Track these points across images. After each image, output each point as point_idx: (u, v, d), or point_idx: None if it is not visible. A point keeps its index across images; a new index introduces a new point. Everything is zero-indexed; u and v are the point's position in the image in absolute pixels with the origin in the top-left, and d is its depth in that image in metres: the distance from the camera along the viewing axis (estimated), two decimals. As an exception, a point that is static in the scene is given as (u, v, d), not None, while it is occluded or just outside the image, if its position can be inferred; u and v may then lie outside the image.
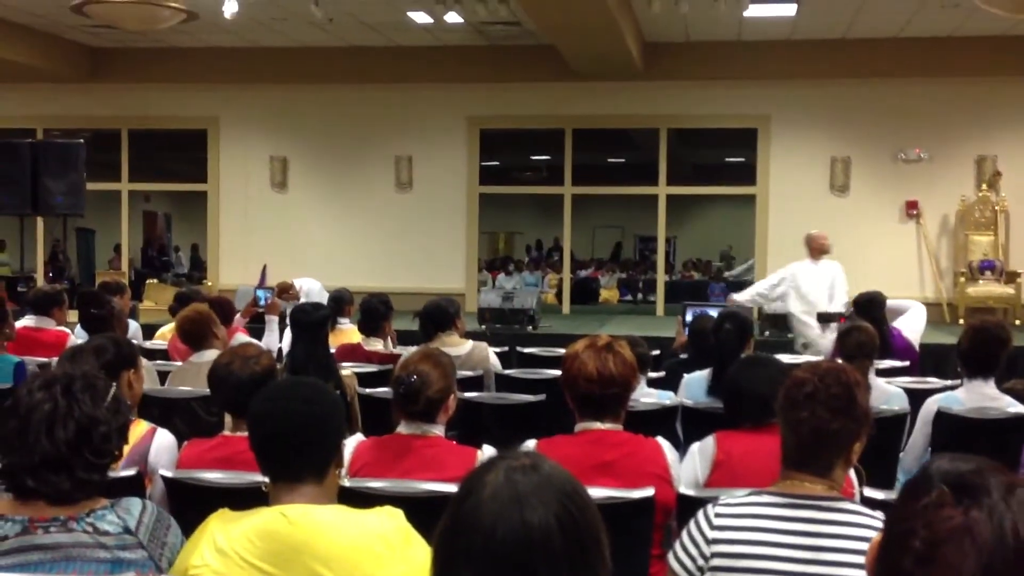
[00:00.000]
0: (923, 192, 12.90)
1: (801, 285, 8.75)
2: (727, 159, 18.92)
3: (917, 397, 4.66)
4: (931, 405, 4.45)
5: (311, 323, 4.83)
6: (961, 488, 1.24)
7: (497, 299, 11.02)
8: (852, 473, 2.91)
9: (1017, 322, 11.92)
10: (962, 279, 12.34)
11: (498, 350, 6.21)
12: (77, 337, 5.63)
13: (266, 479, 2.22)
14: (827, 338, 7.68)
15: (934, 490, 1.25)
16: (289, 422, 2.21)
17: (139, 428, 3.24)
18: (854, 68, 12.76)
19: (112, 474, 2.82)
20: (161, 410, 4.33)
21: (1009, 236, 12.58)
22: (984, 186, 12.64)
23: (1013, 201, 12.54)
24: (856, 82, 12.87)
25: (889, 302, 6.92)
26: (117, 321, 5.37)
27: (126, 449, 2.88)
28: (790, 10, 11.45)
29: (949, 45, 12.51)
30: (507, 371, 5.82)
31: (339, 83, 13.87)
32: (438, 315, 5.74)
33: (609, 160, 20.58)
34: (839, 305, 8.51)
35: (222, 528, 2.08)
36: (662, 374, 5.55)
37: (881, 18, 11.75)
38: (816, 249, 9.01)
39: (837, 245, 12.50)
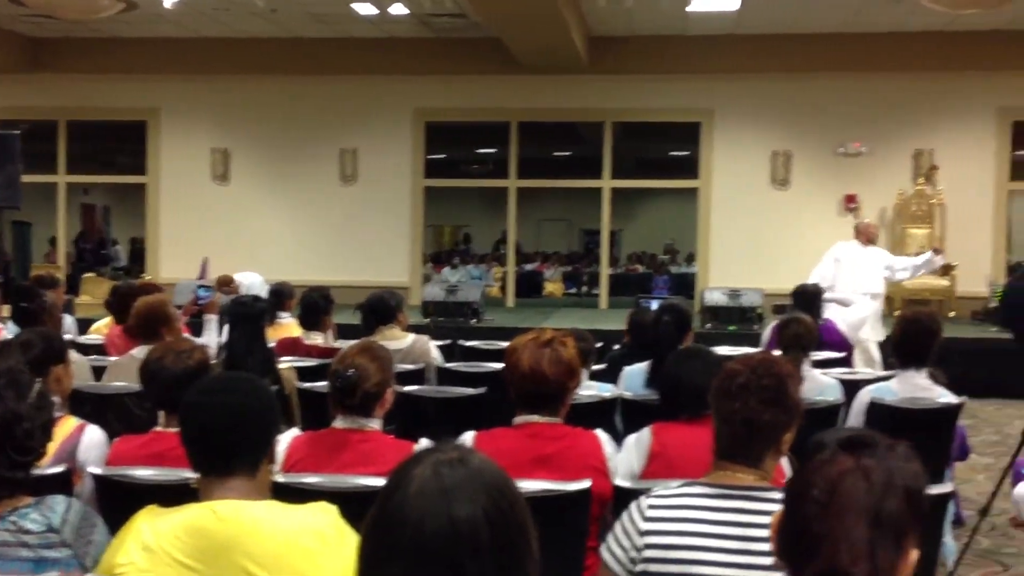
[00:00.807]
0: (862, 186, 13.10)
1: (844, 265, 9.21)
2: (671, 153, 19.03)
3: (851, 388, 4.73)
4: (864, 396, 4.51)
5: (249, 316, 4.78)
6: (851, 444, 1.38)
7: (441, 292, 11.02)
8: (786, 463, 2.94)
9: (952, 314, 12.14)
10: (899, 271, 12.53)
11: (441, 343, 6.20)
12: (8, 332, 5.52)
13: (197, 475, 2.19)
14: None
15: (827, 450, 1.38)
16: (220, 415, 2.17)
17: (68, 424, 3.18)
18: (796, 63, 12.91)
19: (39, 471, 2.76)
20: (93, 406, 4.25)
21: (945, 229, 12.80)
22: (921, 180, 12.86)
23: (949, 195, 12.77)
24: (798, 77, 13.03)
25: (837, 295, 7.02)
26: (49, 315, 5.27)
27: (53, 446, 2.83)
28: (734, 4, 11.54)
29: (889, 41, 12.70)
30: (449, 364, 5.81)
31: (283, 74, 13.75)
32: (380, 308, 5.72)
33: (555, 153, 20.61)
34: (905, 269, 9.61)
35: (150, 524, 2.04)
36: (603, 366, 5.57)
37: (823, 14, 11.90)
38: (865, 236, 9.71)
39: (777, 238, 12.72)
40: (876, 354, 8.43)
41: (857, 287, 8.85)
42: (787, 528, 1.37)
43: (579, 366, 3.22)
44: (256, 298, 5.17)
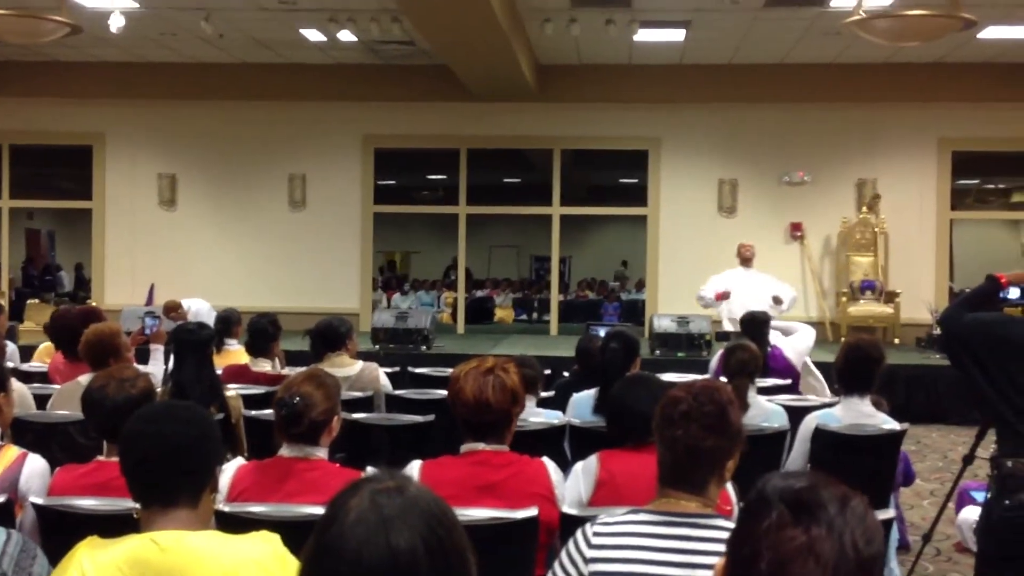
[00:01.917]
0: (807, 214, 13.29)
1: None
2: (620, 180, 19.21)
3: (797, 414, 4.78)
4: (810, 422, 4.57)
5: (195, 343, 4.73)
6: (799, 506, 1.28)
7: (391, 319, 10.98)
8: (731, 489, 2.96)
9: (896, 340, 12.33)
10: (844, 299, 12.73)
11: (390, 370, 6.18)
12: (-52, 360, 5.41)
13: (138, 505, 2.17)
14: None
15: (773, 511, 1.28)
16: (160, 445, 2.15)
17: (9, 453, 3.14)
18: (740, 93, 13.10)
19: (-23, 502, 2.72)
20: (36, 435, 4.19)
21: (888, 257, 13.02)
22: (864, 208, 13.07)
23: (892, 223, 12.99)
24: (742, 106, 13.21)
25: (780, 323, 7.09)
26: (-9, 343, 5.18)
27: (-7, 476, 2.78)
28: (679, 35, 11.70)
29: (831, 72, 12.93)
30: (398, 391, 5.79)
31: (230, 100, 13.68)
32: (329, 334, 5.70)
33: (505, 180, 20.71)
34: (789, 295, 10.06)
35: (90, 556, 2.01)
36: (552, 393, 5.58)
37: (766, 45, 12.09)
38: (739, 257, 10.55)
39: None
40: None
41: (737, 311, 9.28)
42: None
43: (522, 392, 3.23)
44: (202, 325, 5.12)
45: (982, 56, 12.41)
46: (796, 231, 13.28)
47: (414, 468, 3.16)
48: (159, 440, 2.16)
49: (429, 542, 1.31)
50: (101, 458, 3.15)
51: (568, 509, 3.06)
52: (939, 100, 12.94)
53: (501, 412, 3.12)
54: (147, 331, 6.34)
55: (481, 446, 3.15)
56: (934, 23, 8.53)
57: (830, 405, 4.84)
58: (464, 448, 3.18)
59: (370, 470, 3.09)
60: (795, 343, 7.01)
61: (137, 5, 10.55)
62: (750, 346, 5.09)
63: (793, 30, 11.41)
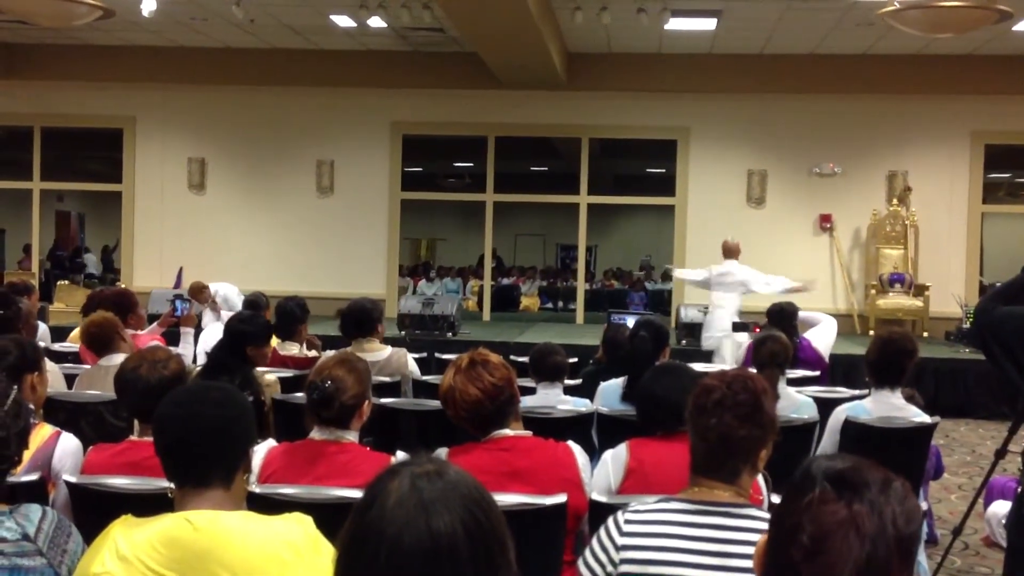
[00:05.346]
0: (836, 206, 13.20)
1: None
2: (648, 170, 19.15)
3: (826, 406, 4.75)
4: (839, 414, 4.54)
5: (248, 334, 4.75)
6: (842, 483, 1.31)
7: (417, 305, 11.00)
8: (761, 479, 2.95)
9: (925, 334, 12.23)
10: (873, 291, 12.64)
11: (417, 356, 6.19)
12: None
13: (172, 485, 2.18)
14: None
15: (817, 487, 1.31)
16: (195, 426, 2.16)
17: (43, 432, 3.16)
18: (771, 83, 13.01)
19: (13, 479, 2.74)
20: (67, 414, 4.22)
21: (918, 250, 12.91)
22: (895, 201, 12.97)
23: (922, 216, 12.88)
24: (773, 97, 13.12)
25: (802, 314, 7.06)
26: (24, 323, 5.22)
27: (28, 454, 2.81)
28: (710, 24, 11.63)
29: (863, 63, 12.83)
30: (425, 377, 5.80)
31: (260, 85, 13.72)
32: (362, 318, 5.67)
33: (532, 168, 20.68)
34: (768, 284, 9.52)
35: (125, 534, 2.03)
36: (579, 381, 5.58)
37: (797, 35, 12.00)
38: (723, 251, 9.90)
39: (753, 256, 12.77)
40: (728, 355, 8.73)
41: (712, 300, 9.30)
42: (772, 561, 1.35)
43: (508, 373, 3.22)
44: (255, 316, 5.12)
45: (1017, 48, 12.27)
46: (825, 223, 13.20)
47: (440, 456, 3.16)
48: (193, 421, 2.18)
49: (469, 526, 1.31)
50: (133, 438, 3.18)
51: (598, 496, 3.06)
52: (972, 93, 12.80)
53: (510, 386, 3.15)
54: (178, 313, 6.39)
55: (505, 432, 3.15)
56: (969, 15, 8.46)
57: (860, 397, 4.81)
58: (487, 435, 3.18)
59: (400, 454, 3.10)
60: (822, 335, 6.98)
61: (169, -11, 10.59)
62: (780, 337, 5.06)
63: (825, 20, 11.32)
